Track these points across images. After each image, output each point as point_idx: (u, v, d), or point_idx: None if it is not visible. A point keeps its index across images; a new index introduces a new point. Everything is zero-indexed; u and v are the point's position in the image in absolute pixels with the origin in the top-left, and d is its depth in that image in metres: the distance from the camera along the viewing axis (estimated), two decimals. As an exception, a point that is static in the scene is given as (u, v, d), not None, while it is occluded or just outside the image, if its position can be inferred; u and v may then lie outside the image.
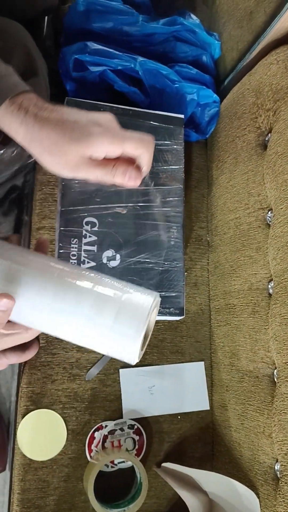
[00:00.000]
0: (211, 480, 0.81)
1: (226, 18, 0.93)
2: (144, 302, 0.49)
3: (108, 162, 0.52)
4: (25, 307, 0.50)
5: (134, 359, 0.49)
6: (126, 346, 0.48)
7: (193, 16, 0.94)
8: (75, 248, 0.71)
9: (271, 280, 0.78)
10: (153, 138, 0.52)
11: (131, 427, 0.84)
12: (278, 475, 0.72)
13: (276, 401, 0.72)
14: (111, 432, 0.84)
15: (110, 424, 0.83)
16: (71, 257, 0.71)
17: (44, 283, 0.49)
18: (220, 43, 0.95)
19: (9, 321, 0.51)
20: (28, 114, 0.50)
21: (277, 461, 0.72)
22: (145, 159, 0.52)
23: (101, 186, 0.73)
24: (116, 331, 0.48)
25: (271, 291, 0.77)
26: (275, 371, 0.75)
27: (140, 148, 0.51)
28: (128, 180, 0.52)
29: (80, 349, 0.83)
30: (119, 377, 0.85)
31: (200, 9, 1.00)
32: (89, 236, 0.72)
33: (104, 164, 0.51)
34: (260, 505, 0.74)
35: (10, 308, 0.49)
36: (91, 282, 0.50)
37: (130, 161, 0.53)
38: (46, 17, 0.91)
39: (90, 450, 0.83)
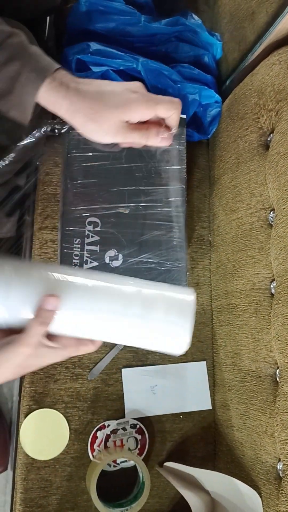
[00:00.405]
0: (213, 480, 0.81)
1: (228, 18, 0.93)
2: (187, 294, 0.53)
3: (141, 126, 0.57)
4: (77, 316, 0.52)
5: (185, 349, 0.52)
6: (179, 337, 0.52)
7: (195, 16, 0.94)
8: (78, 248, 0.71)
9: (273, 280, 0.78)
10: (180, 100, 0.57)
11: (133, 426, 0.84)
12: (281, 475, 0.72)
13: (279, 400, 0.73)
14: (114, 431, 0.84)
15: (113, 424, 0.84)
16: (73, 257, 0.71)
17: (94, 291, 0.52)
18: (222, 43, 0.96)
19: (52, 336, 0.52)
20: (69, 88, 0.54)
21: (279, 460, 0.72)
22: (174, 120, 0.57)
23: (103, 186, 0.74)
24: (168, 324, 0.52)
25: (273, 291, 0.78)
26: (277, 370, 0.75)
27: (171, 109, 0.56)
28: (161, 140, 0.57)
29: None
30: (121, 376, 0.86)
31: (202, 9, 1.00)
32: (92, 236, 0.72)
33: (138, 128, 0.56)
34: (263, 504, 0.74)
35: (57, 307, 0.51)
36: (134, 284, 0.54)
37: (158, 124, 0.58)
38: (48, 18, 0.91)
39: (93, 450, 0.83)
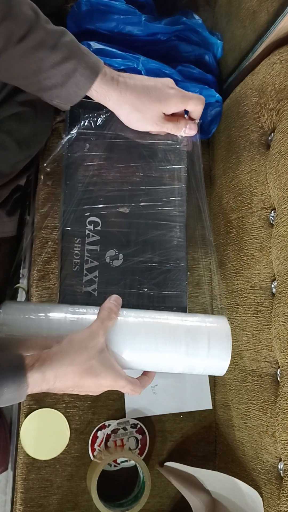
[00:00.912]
0: (214, 479, 0.81)
1: (229, 17, 0.93)
2: (223, 326, 0.66)
3: (173, 117, 0.69)
4: (142, 354, 0.64)
5: (225, 372, 0.67)
6: (220, 366, 0.65)
7: (195, 15, 0.94)
8: (78, 247, 0.71)
9: (274, 279, 0.78)
10: (204, 97, 0.70)
11: (134, 426, 0.84)
12: (282, 474, 0.72)
13: (280, 400, 0.72)
14: (114, 431, 0.84)
15: (113, 423, 0.84)
16: (74, 256, 0.71)
17: (152, 330, 0.64)
18: (223, 42, 0.95)
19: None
20: (119, 82, 0.64)
21: (280, 460, 0.72)
22: (199, 113, 0.70)
23: (104, 186, 0.73)
24: (212, 357, 0.64)
25: (274, 290, 0.78)
26: (278, 370, 0.75)
27: (199, 104, 0.68)
28: (189, 130, 0.70)
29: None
30: (122, 376, 0.85)
31: (202, 8, 1.00)
32: (92, 236, 0.72)
33: (171, 119, 0.69)
34: (264, 504, 0.74)
35: (120, 303, 0.65)
36: (179, 320, 0.65)
37: (183, 115, 0.70)
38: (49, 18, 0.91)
39: (93, 449, 0.83)
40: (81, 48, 0.63)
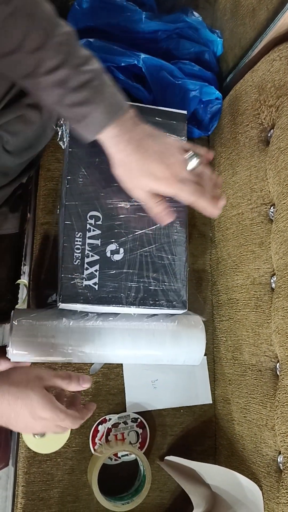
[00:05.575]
0: (214, 473, 0.82)
1: (229, 15, 0.94)
2: (199, 325, 0.82)
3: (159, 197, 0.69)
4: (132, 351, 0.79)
5: (200, 361, 0.83)
6: (197, 358, 0.81)
7: (195, 13, 0.95)
8: (79, 241, 0.72)
9: (274, 274, 0.78)
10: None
11: (134, 420, 0.85)
12: (281, 467, 0.72)
13: (279, 394, 0.73)
14: (115, 425, 0.84)
15: (114, 418, 0.84)
16: (75, 250, 0.71)
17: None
18: (223, 40, 0.96)
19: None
20: (130, 141, 0.64)
21: (279, 453, 0.73)
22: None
23: (105, 181, 0.74)
24: (190, 352, 0.80)
25: (273, 285, 0.78)
26: (278, 364, 0.76)
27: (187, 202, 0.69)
28: (165, 215, 0.71)
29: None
30: (122, 371, 0.86)
31: (202, 6, 1.00)
32: (93, 230, 0.73)
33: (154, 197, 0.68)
34: (263, 497, 0.74)
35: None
36: (164, 327, 0.79)
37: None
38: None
39: (94, 443, 0.83)
40: (106, 91, 0.62)
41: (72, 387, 0.63)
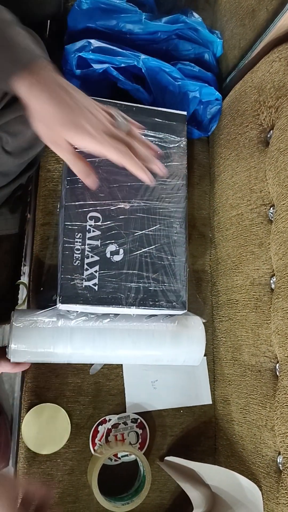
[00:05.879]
0: (213, 474, 0.82)
1: (228, 16, 0.94)
2: (199, 325, 0.83)
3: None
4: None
5: (200, 362, 0.83)
6: (197, 358, 0.81)
7: (195, 14, 0.95)
8: (79, 242, 0.72)
9: (273, 275, 0.78)
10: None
11: (134, 421, 0.85)
12: (281, 468, 0.72)
13: (279, 394, 0.73)
14: (115, 425, 0.84)
15: (114, 418, 0.84)
16: (75, 251, 0.71)
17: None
18: (222, 41, 0.96)
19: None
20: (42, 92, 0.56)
21: (279, 454, 0.73)
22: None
23: (104, 182, 0.74)
24: (190, 352, 0.81)
25: (273, 286, 0.78)
26: (277, 365, 0.76)
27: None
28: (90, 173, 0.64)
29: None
30: (122, 371, 0.86)
31: (202, 7, 1.00)
32: (93, 231, 0.73)
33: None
34: (263, 497, 0.74)
35: None
36: (164, 327, 0.80)
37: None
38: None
39: (94, 444, 0.83)
40: (10, 37, 0.57)
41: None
